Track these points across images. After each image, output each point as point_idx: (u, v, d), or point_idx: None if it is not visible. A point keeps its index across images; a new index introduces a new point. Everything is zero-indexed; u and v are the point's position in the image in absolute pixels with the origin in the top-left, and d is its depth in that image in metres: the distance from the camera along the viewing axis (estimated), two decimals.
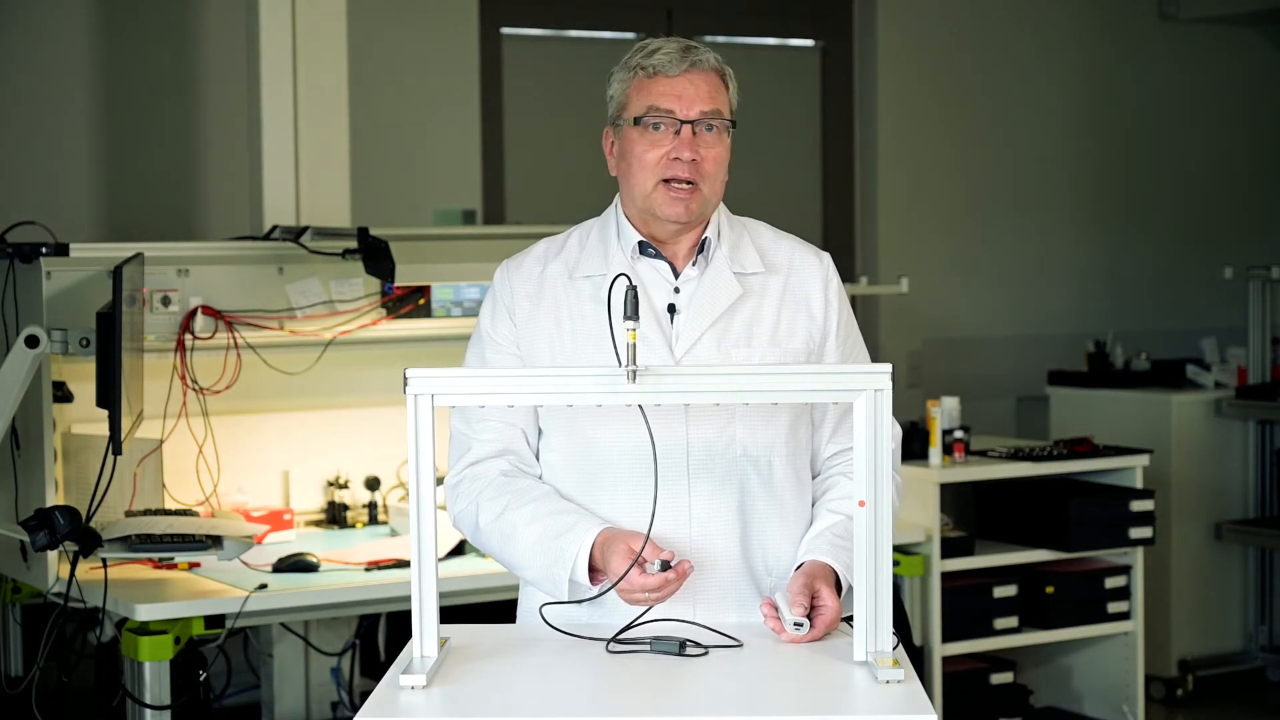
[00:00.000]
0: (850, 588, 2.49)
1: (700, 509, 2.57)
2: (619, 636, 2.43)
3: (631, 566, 2.41)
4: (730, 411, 2.57)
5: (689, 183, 2.56)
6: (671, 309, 2.60)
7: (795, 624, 2.42)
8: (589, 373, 2.34)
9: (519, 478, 2.62)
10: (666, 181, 2.56)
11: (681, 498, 2.56)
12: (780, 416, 2.61)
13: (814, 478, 2.69)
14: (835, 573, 2.51)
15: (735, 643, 2.42)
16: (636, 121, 2.57)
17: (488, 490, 2.60)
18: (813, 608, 2.45)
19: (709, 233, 2.63)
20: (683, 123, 2.55)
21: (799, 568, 2.53)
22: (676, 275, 2.62)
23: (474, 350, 2.69)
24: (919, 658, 4.73)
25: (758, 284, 2.63)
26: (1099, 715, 5.24)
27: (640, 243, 2.62)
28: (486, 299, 2.70)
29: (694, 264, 2.62)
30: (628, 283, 2.31)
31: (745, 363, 2.57)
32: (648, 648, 2.39)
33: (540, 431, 2.66)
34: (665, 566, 2.41)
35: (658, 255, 2.62)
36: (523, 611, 2.70)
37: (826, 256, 2.72)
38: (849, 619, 2.39)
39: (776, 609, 2.46)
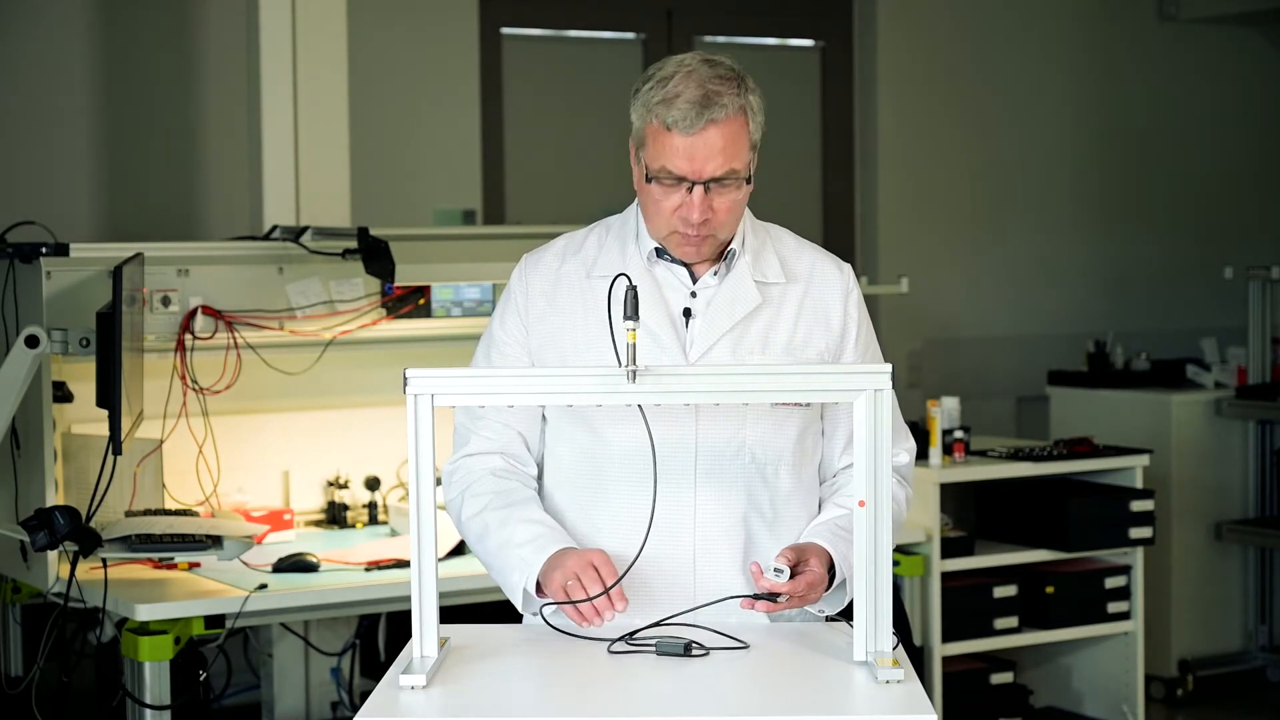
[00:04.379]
0: (844, 580, 2.49)
1: (705, 511, 2.57)
2: (623, 638, 2.43)
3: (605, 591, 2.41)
4: (740, 417, 2.57)
5: (701, 234, 2.53)
6: (687, 313, 2.60)
7: (775, 569, 2.42)
8: (589, 373, 2.34)
9: (507, 479, 2.63)
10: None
11: (687, 499, 2.56)
12: (789, 424, 2.61)
13: (821, 484, 2.70)
14: (831, 560, 2.52)
15: (741, 644, 2.42)
16: (649, 178, 2.53)
17: (475, 485, 2.63)
18: (798, 573, 2.46)
19: (734, 244, 2.61)
20: (695, 183, 2.50)
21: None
22: (694, 279, 2.62)
23: (482, 348, 2.71)
24: (919, 658, 4.73)
25: (776, 293, 2.63)
26: (1099, 715, 5.24)
27: (658, 248, 2.61)
28: (502, 298, 2.71)
29: (715, 272, 2.61)
30: (628, 282, 2.31)
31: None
32: (653, 649, 2.39)
33: (545, 432, 2.66)
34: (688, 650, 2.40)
35: (675, 260, 2.62)
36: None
37: (847, 268, 2.71)
38: (849, 618, 2.39)
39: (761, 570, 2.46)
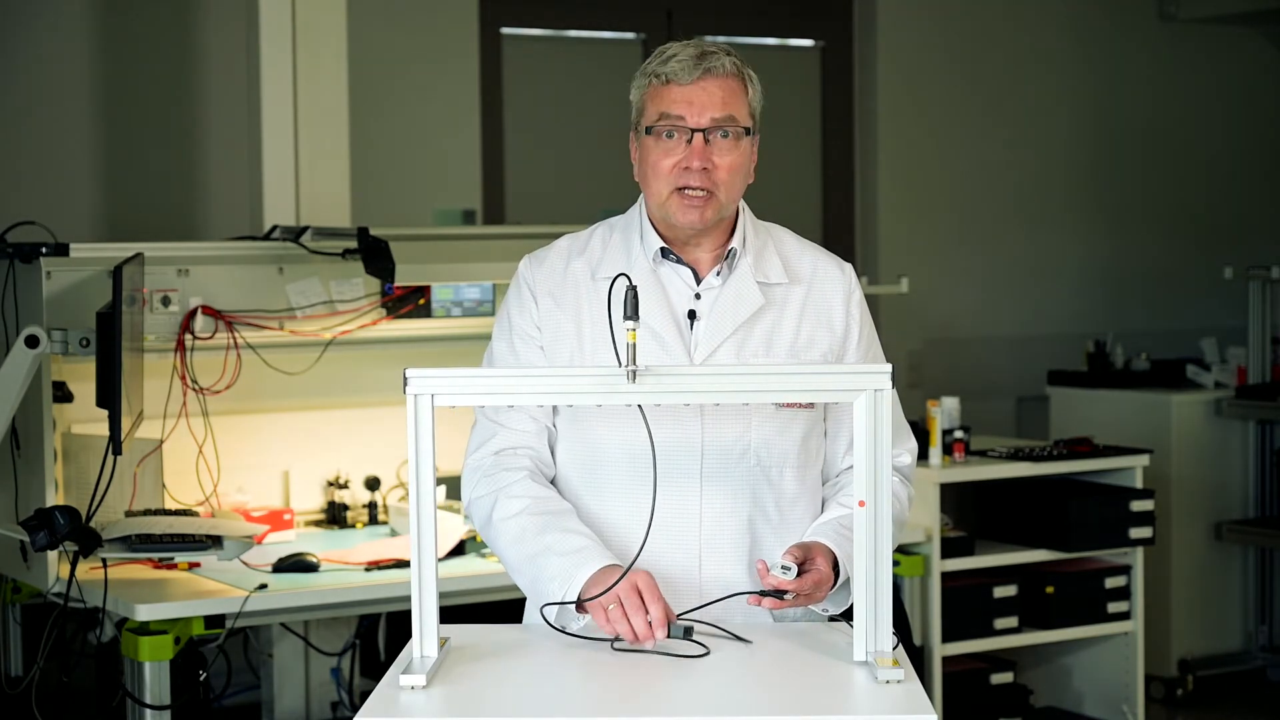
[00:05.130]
0: (848, 579, 2.49)
1: (711, 511, 2.57)
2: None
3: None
4: (746, 418, 2.57)
5: (704, 190, 2.55)
6: (692, 315, 2.60)
7: (783, 567, 2.42)
8: (589, 373, 2.35)
9: (543, 483, 2.62)
10: (681, 189, 2.55)
11: (692, 499, 2.56)
12: (794, 426, 2.61)
13: (824, 484, 2.70)
14: (835, 559, 2.52)
15: (743, 640, 2.42)
16: (649, 130, 2.56)
17: (513, 487, 2.59)
18: (804, 571, 2.46)
19: (734, 242, 2.61)
20: (694, 131, 2.53)
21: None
22: (698, 281, 2.62)
23: (502, 342, 2.67)
24: (919, 658, 4.74)
25: (779, 294, 2.63)
26: (1099, 715, 5.24)
27: (662, 248, 2.62)
28: (511, 292, 2.69)
29: (718, 273, 2.61)
30: (628, 282, 2.31)
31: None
32: (654, 649, 2.39)
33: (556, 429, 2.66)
34: (689, 634, 2.40)
35: (680, 261, 2.62)
36: (529, 612, 2.69)
37: (849, 268, 2.71)
38: (849, 618, 2.39)
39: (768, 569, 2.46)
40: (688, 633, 2.38)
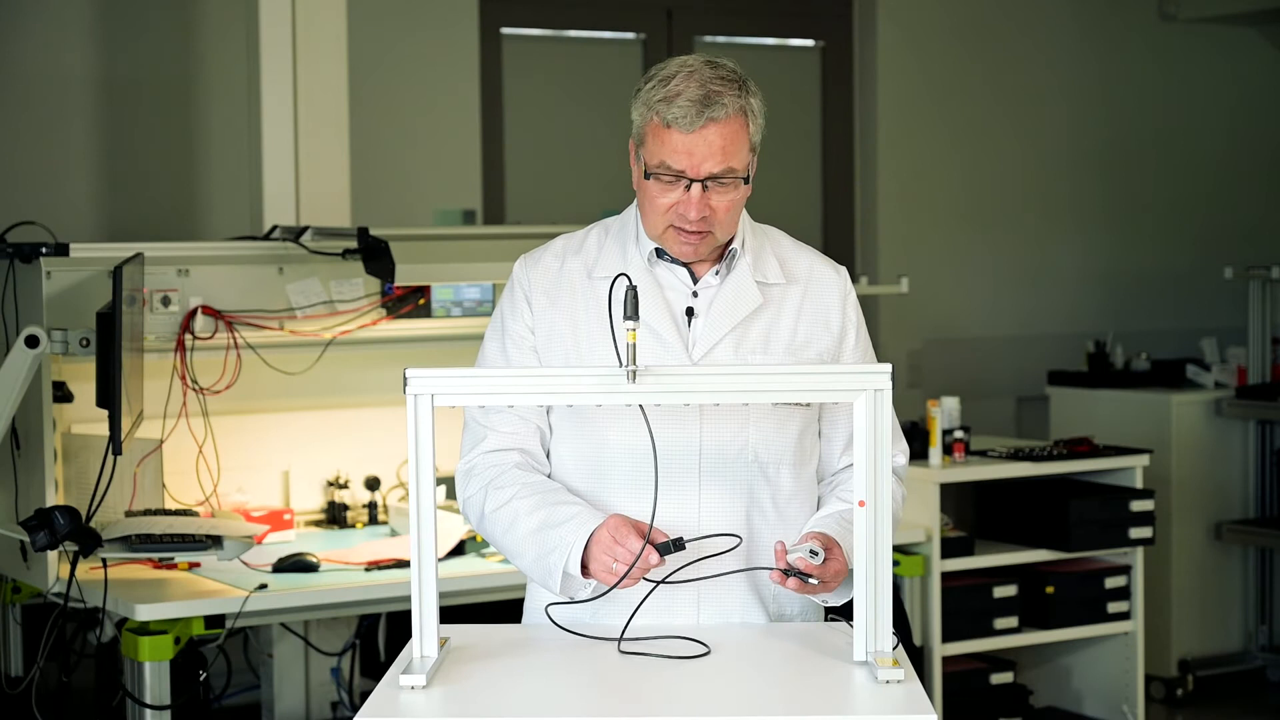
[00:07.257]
0: (850, 573, 2.49)
1: (709, 511, 2.57)
2: (627, 636, 2.43)
3: (643, 549, 2.41)
4: (744, 416, 2.58)
5: (699, 230, 2.54)
6: (690, 313, 2.60)
7: (812, 551, 2.42)
8: (589, 373, 2.35)
9: (531, 472, 2.62)
10: (677, 226, 2.55)
11: (691, 499, 2.57)
12: (791, 424, 2.61)
13: (819, 483, 2.70)
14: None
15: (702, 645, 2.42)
16: (648, 175, 2.54)
17: (499, 479, 2.60)
18: (826, 560, 2.45)
19: (734, 244, 2.62)
20: (693, 181, 2.52)
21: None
22: (695, 279, 2.62)
23: (494, 344, 2.67)
24: (919, 658, 4.74)
25: (776, 294, 2.63)
26: (1099, 715, 5.24)
27: (657, 249, 2.62)
28: (505, 292, 2.69)
29: (716, 271, 2.62)
30: (628, 282, 2.31)
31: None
32: (659, 654, 2.38)
33: (551, 430, 2.66)
34: (679, 545, 2.42)
35: (675, 260, 2.62)
36: (528, 611, 2.70)
37: (844, 270, 2.72)
38: (849, 617, 2.39)
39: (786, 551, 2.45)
40: (677, 545, 2.40)
